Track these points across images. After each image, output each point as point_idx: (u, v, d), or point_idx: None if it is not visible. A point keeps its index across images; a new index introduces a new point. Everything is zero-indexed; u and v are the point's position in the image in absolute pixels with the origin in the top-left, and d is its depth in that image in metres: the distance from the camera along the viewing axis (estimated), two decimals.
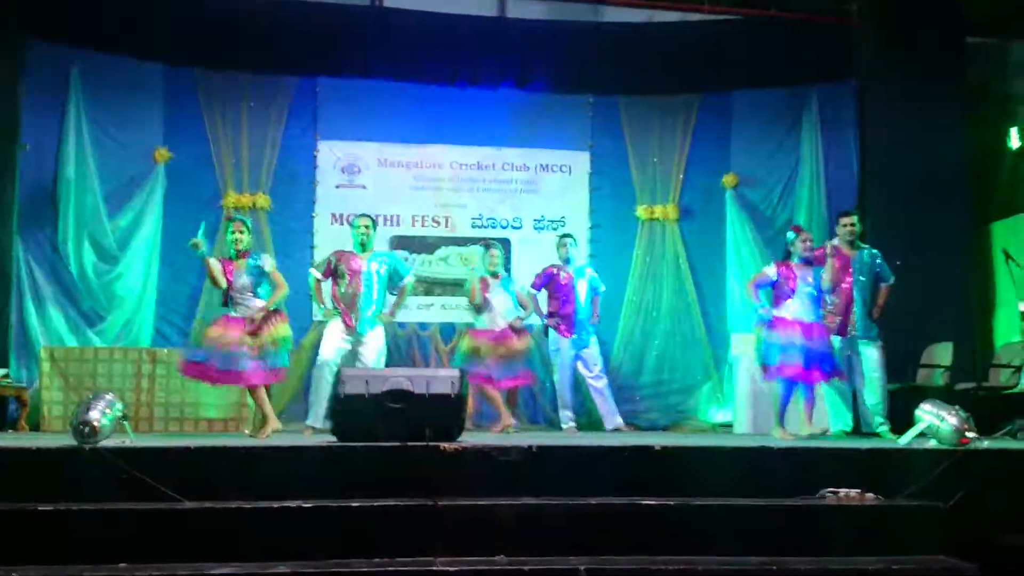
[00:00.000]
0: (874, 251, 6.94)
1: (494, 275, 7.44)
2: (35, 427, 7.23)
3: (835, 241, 6.94)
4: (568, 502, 4.13)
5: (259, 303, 6.13)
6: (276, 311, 6.19)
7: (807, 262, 6.46)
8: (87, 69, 8.00)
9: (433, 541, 3.87)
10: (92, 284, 7.92)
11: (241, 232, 6.22)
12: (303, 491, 4.08)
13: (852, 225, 6.88)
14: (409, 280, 7.05)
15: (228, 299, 6.19)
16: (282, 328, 6.15)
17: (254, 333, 5.99)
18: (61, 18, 7.82)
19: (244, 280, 6.14)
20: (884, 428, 6.65)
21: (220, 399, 7.39)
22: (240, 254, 6.19)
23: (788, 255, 6.56)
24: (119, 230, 8.05)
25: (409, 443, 4.42)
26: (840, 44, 8.54)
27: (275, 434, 6.03)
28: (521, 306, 7.53)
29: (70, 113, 7.92)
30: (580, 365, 7.70)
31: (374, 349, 6.76)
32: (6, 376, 7.14)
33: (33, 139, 7.74)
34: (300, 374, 7.98)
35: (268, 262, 6.25)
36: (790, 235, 6.63)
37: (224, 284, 6.14)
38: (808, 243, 6.49)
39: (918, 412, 5.06)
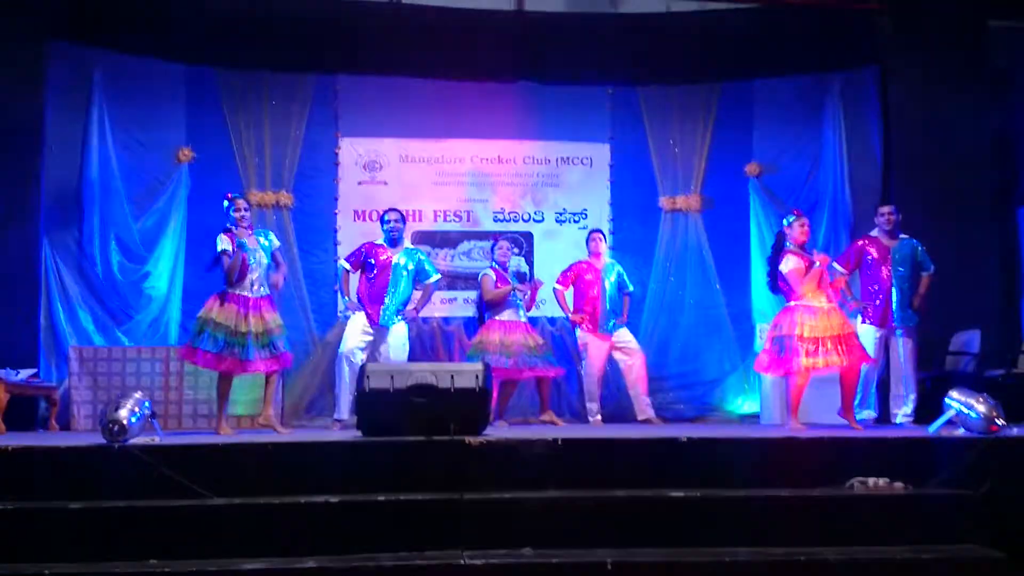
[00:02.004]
0: (914, 241, 6.92)
1: (503, 267, 7.44)
2: (65, 426, 7.31)
3: (873, 232, 6.95)
4: (594, 494, 4.13)
5: (261, 286, 6.16)
6: (268, 298, 6.20)
7: (802, 247, 6.28)
8: (109, 71, 8.02)
9: (459, 534, 3.89)
10: (119, 284, 7.96)
11: (246, 210, 6.26)
12: (330, 486, 4.11)
13: (890, 215, 6.89)
14: (434, 280, 7.12)
15: (238, 277, 6.07)
16: (277, 315, 6.21)
17: (259, 318, 6.03)
18: (83, 20, 7.85)
19: (260, 259, 6.16)
20: (907, 420, 6.67)
21: (247, 396, 7.43)
22: (247, 231, 6.19)
23: (782, 238, 6.29)
24: (145, 230, 8.08)
25: (434, 437, 4.44)
26: (861, 30, 8.44)
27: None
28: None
29: (93, 115, 7.93)
30: (618, 354, 7.66)
31: (396, 343, 6.84)
32: (35, 376, 7.20)
33: (57, 141, 7.77)
34: (324, 369, 8.01)
35: (275, 241, 6.39)
36: (789, 218, 6.36)
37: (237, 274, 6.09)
38: (805, 228, 6.26)
39: (947, 400, 5.03)
